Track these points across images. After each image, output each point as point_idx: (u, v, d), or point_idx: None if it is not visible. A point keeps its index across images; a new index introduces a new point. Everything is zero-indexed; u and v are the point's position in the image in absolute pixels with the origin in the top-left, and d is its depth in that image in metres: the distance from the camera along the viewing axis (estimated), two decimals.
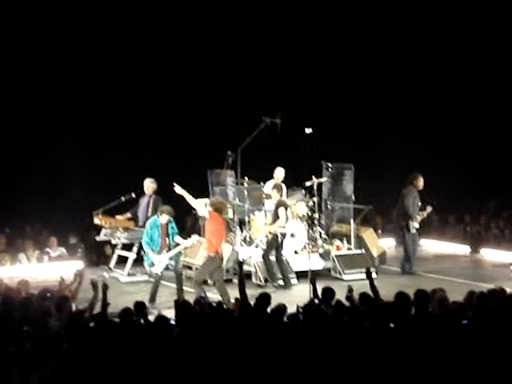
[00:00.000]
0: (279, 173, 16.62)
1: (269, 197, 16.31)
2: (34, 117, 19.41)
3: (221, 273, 13.65)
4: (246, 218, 16.39)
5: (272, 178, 16.71)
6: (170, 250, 13.86)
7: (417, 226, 16.28)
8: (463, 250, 18.83)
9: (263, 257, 15.12)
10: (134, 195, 16.35)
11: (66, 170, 18.77)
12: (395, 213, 17.00)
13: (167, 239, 13.92)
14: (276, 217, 15.10)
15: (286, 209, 15.18)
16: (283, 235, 15.18)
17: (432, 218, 18.83)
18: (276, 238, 15.08)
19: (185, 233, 15.08)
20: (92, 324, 8.72)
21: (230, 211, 16.47)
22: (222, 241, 13.61)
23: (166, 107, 20.25)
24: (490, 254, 17.99)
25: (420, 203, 16.37)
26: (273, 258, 15.19)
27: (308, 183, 16.46)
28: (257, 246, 15.83)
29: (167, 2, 20.16)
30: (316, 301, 9.64)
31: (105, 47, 19.70)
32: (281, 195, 15.36)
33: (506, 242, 18.18)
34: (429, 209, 16.58)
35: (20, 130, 19.31)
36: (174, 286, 13.97)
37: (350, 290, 9.62)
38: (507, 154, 20.54)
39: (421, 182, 16.40)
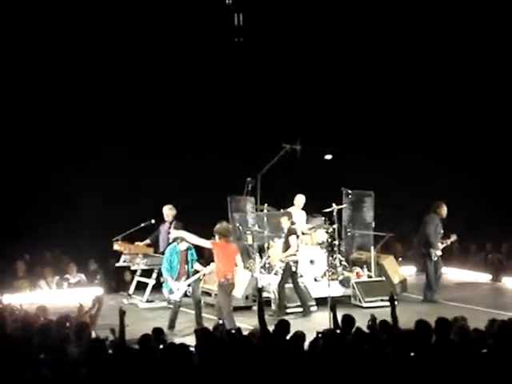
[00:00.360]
0: (299, 200, 16.64)
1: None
2: (48, 140, 19.43)
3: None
4: (266, 245, 16.35)
5: (292, 204, 16.70)
6: (188, 276, 13.84)
7: (439, 253, 16.21)
8: (484, 278, 18.69)
9: (278, 286, 14.99)
10: (153, 221, 16.38)
11: (84, 196, 18.81)
12: (417, 240, 16.90)
13: (186, 266, 13.90)
14: (287, 245, 15.00)
15: (297, 237, 15.10)
16: (296, 262, 15.07)
17: (453, 246, 18.71)
18: (289, 266, 14.96)
19: (204, 259, 15.03)
20: (111, 351, 8.66)
21: (250, 237, 16.46)
22: (231, 267, 13.22)
23: (188, 131, 20.29)
24: None
25: (442, 231, 16.30)
26: (290, 285, 15.11)
27: (327, 210, 16.42)
28: (276, 273, 15.76)
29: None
30: (337, 330, 9.54)
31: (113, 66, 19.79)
32: (291, 223, 15.21)
33: None
34: (453, 237, 16.52)
35: (36, 156, 19.36)
36: (193, 312, 13.93)
37: (373, 318, 9.52)
38: None
39: (444, 211, 16.36)
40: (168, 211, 16.26)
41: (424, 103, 21.33)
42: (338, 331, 9.44)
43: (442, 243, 16.32)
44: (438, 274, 16.42)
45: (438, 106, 21.37)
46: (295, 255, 15.02)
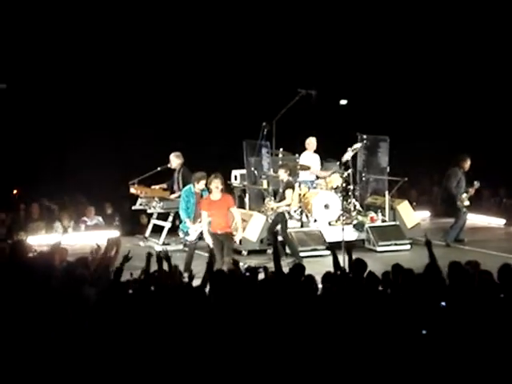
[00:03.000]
0: (311, 142, 16.65)
1: (304, 168, 16.34)
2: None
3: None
4: (281, 189, 16.41)
5: (305, 149, 16.73)
6: None
7: (467, 203, 16.27)
8: (498, 222, 18.77)
9: (282, 236, 14.98)
10: (169, 166, 16.44)
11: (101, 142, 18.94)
12: (440, 195, 17.02)
13: None
14: (283, 197, 14.99)
15: (293, 190, 15.14)
16: (288, 213, 15.08)
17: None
18: (283, 214, 14.96)
19: None
20: (131, 291, 8.80)
21: (265, 182, 16.53)
22: (223, 220, 13.30)
23: (202, 79, 20.26)
24: None
25: (465, 183, 16.34)
26: (299, 229, 15.20)
27: (345, 157, 16.42)
28: (291, 217, 15.84)
29: None
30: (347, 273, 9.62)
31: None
32: (289, 175, 15.15)
33: None
34: (477, 184, 16.55)
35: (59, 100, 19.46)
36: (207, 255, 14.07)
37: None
38: None
39: (467, 164, 16.39)
40: (173, 158, 16.22)
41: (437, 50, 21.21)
42: (348, 273, 9.53)
43: (467, 192, 16.36)
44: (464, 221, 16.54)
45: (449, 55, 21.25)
46: (288, 207, 15.04)
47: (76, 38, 19.30)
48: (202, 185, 13.97)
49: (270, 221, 15.23)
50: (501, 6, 20.48)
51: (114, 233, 17.06)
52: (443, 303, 8.24)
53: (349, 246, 10.58)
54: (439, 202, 17.33)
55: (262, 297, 8.47)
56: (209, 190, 13.54)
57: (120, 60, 19.69)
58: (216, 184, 13.20)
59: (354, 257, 9.71)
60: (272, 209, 15.19)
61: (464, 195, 16.32)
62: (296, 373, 7.45)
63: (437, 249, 9.34)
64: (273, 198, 15.53)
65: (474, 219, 19.06)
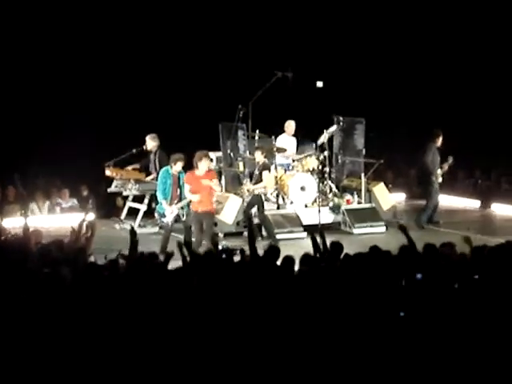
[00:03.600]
0: (290, 125, 16.64)
1: (280, 150, 16.33)
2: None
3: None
4: (257, 171, 16.38)
5: (283, 131, 16.72)
6: (181, 200, 13.95)
7: (440, 180, 16.36)
8: (473, 204, 18.88)
9: (259, 217, 15.02)
10: (145, 147, 16.38)
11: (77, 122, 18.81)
12: (416, 169, 17.06)
13: (178, 190, 14.01)
14: (259, 179, 15.01)
15: (269, 172, 15.13)
16: (264, 195, 15.21)
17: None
18: (260, 196, 15.01)
19: None
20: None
21: (241, 164, 16.51)
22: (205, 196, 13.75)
23: (176, 62, 20.13)
24: (501, 209, 18.03)
25: (439, 158, 16.43)
26: (274, 212, 15.23)
27: (321, 140, 16.44)
28: (267, 200, 15.85)
29: None
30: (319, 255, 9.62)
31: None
32: (265, 157, 15.19)
33: None
34: (450, 159, 16.66)
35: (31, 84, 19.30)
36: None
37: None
38: None
39: (440, 139, 16.51)
40: (149, 140, 16.20)
41: (416, 33, 21.22)
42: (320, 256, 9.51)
43: (442, 168, 16.45)
44: (436, 202, 16.59)
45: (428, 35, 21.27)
46: (264, 189, 15.05)
47: (47, 25, 19.12)
48: (179, 166, 13.99)
49: (246, 203, 15.23)
50: None
51: (90, 216, 17.02)
52: (419, 276, 8.28)
53: (321, 230, 10.57)
54: (417, 180, 17.39)
55: (237, 279, 8.45)
56: (196, 166, 13.55)
57: (95, 42, 19.52)
58: (207, 164, 13.61)
59: (330, 239, 9.72)
60: (248, 191, 15.19)
61: (438, 171, 16.41)
62: (271, 355, 7.46)
63: (412, 231, 9.37)
64: (249, 180, 15.52)
65: (449, 201, 19.17)
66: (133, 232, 9.49)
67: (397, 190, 19.21)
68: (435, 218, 16.56)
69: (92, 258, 10.00)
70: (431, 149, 16.44)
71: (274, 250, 9.41)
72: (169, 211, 13.91)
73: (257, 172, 15.13)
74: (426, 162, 16.38)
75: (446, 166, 16.65)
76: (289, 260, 9.02)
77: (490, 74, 20.94)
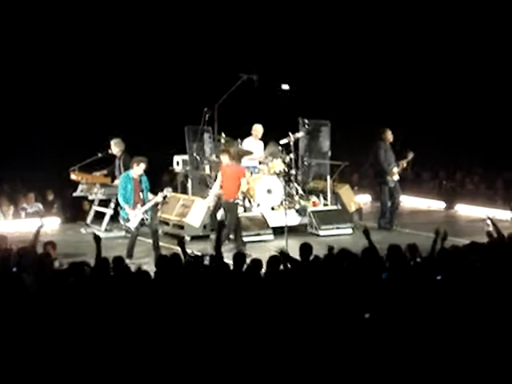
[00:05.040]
0: (257, 129, 16.65)
1: (247, 153, 16.34)
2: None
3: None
4: None
5: (250, 134, 16.74)
6: (144, 204, 13.91)
7: (396, 177, 16.38)
8: (438, 205, 19.03)
9: (211, 216, 15.08)
10: (110, 151, 16.32)
11: (42, 127, 18.72)
12: (368, 169, 17.08)
13: (141, 194, 13.96)
14: None
15: None
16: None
17: (407, 173, 18.99)
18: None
19: (160, 189, 15.05)
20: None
21: (207, 167, 16.51)
22: (233, 188, 14.44)
23: (141, 65, 20.08)
24: (465, 209, 18.19)
25: (394, 155, 16.47)
26: (243, 214, 15.28)
27: (284, 140, 16.52)
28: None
29: None
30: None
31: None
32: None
33: (481, 197, 18.36)
34: (410, 154, 16.65)
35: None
36: (151, 241, 14.04)
37: (331, 248, 9.61)
38: (480, 113, 20.60)
39: (389, 135, 16.46)
40: (113, 145, 16.16)
41: (378, 39, 21.34)
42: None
43: (399, 165, 16.49)
44: (397, 201, 16.64)
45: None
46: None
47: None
48: (141, 168, 13.91)
49: (212, 206, 15.24)
50: None
51: (55, 220, 17.03)
52: (384, 275, 8.35)
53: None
54: (368, 175, 17.36)
55: (205, 284, 8.47)
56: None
57: (59, 48, 19.44)
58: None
59: (299, 241, 9.78)
60: (216, 196, 15.13)
61: (395, 169, 16.41)
62: (236, 356, 7.48)
63: (378, 233, 9.44)
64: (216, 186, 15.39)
65: (414, 202, 19.31)
66: (97, 238, 9.49)
67: (362, 191, 19.32)
68: (393, 221, 16.56)
69: (57, 264, 9.97)
70: (381, 147, 16.42)
71: (240, 256, 9.46)
72: (132, 215, 13.85)
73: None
74: (380, 161, 16.36)
75: (404, 163, 16.61)
76: (256, 263, 9.06)
77: (454, 75, 21.10)
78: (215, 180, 15.75)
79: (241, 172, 14.71)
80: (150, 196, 14.07)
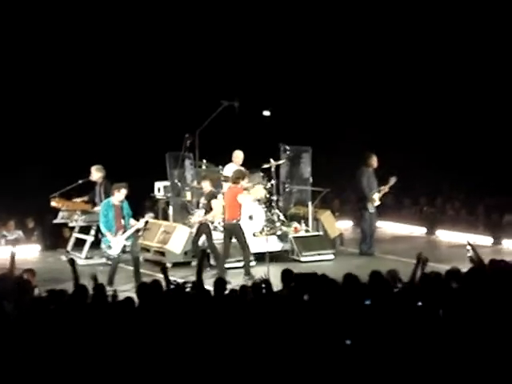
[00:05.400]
0: (238, 156, 16.66)
1: (228, 179, 16.33)
2: None
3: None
4: (204, 200, 16.35)
5: (231, 160, 16.75)
6: (125, 231, 13.86)
7: (377, 203, 16.42)
8: (419, 231, 19.08)
9: (209, 247, 15.01)
10: (90, 178, 16.28)
11: (23, 154, 18.66)
12: (351, 194, 17.09)
13: (122, 220, 13.91)
14: (209, 208, 15.02)
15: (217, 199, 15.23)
16: (212, 223, 15.26)
17: (387, 199, 19.03)
18: (207, 225, 15.01)
19: (142, 215, 15.02)
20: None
21: (189, 194, 16.50)
22: (233, 209, 14.43)
23: (122, 92, 20.09)
24: (446, 235, 18.25)
25: (376, 181, 16.52)
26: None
27: (266, 166, 16.55)
28: (215, 229, 15.81)
29: None
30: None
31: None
32: (212, 186, 15.23)
33: (462, 222, 18.43)
34: (392, 179, 16.64)
35: None
36: (132, 268, 13.97)
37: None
38: (461, 139, 20.71)
39: (374, 161, 16.52)
40: (93, 172, 16.13)
41: (359, 60, 21.45)
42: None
43: (380, 191, 16.53)
44: (373, 226, 16.68)
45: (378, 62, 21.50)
46: (212, 218, 15.08)
47: None
48: (122, 194, 13.86)
49: (194, 233, 15.22)
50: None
51: (35, 247, 16.94)
52: (367, 302, 8.33)
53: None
54: (350, 200, 17.39)
55: (186, 311, 8.44)
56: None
57: (41, 74, 19.45)
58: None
59: (280, 268, 9.75)
60: (200, 222, 15.08)
61: (375, 195, 16.45)
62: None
63: (360, 259, 9.45)
64: (201, 212, 15.35)
65: (395, 228, 19.36)
66: (71, 261, 9.51)
67: (344, 217, 19.35)
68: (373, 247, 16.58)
69: (37, 291, 9.90)
70: (364, 173, 16.50)
71: (221, 282, 9.43)
72: (114, 242, 13.80)
73: (205, 201, 15.13)
74: (362, 187, 16.44)
75: (386, 188, 16.65)
76: (244, 289, 9.06)
77: (436, 100, 21.25)
78: (197, 207, 15.77)
79: (238, 191, 14.60)
80: (132, 222, 14.03)
